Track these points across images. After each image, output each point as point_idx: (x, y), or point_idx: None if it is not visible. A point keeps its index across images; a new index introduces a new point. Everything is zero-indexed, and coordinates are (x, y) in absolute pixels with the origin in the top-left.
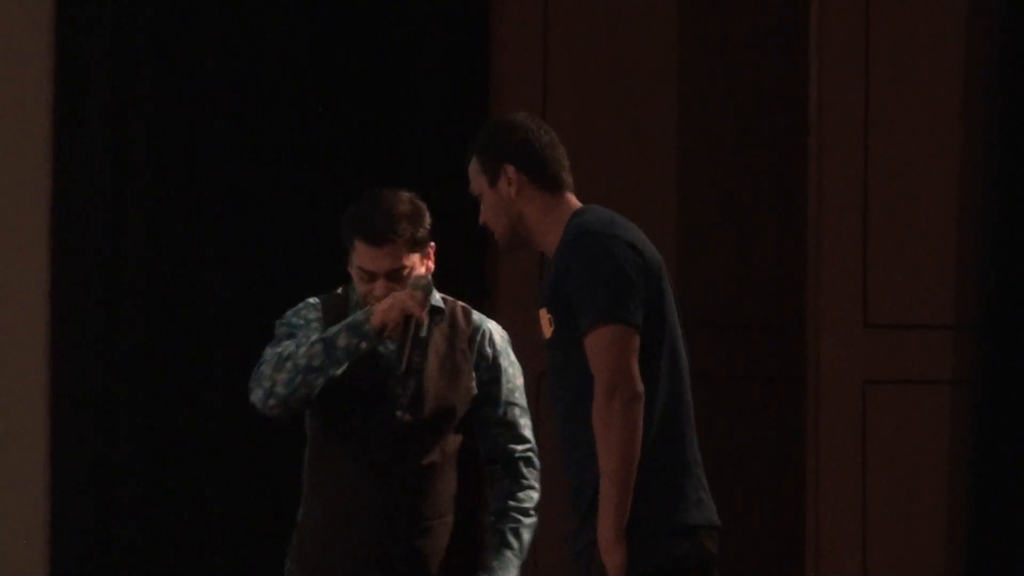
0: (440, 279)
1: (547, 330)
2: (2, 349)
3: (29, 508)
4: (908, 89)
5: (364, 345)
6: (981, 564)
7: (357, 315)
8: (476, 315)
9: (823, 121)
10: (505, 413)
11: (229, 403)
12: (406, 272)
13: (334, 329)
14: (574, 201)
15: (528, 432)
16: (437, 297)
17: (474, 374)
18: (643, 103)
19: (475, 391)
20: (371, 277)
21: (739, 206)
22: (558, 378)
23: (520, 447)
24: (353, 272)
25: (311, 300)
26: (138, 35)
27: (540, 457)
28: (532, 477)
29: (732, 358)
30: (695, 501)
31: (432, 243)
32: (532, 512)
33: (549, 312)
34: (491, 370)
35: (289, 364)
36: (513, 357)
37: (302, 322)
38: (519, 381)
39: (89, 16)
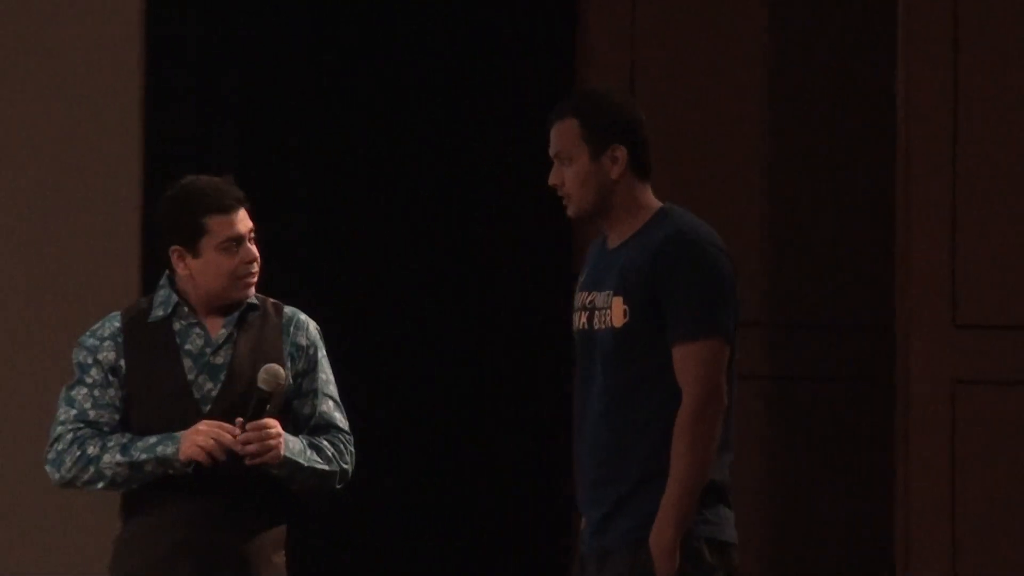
0: (527, 259)
1: (618, 319)
2: None
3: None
4: (998, 86)
5: (172, 472)
6: None
7: (166, 447)
8: (288, 308)
9: (911, 119)
10: (320, 404)
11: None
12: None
13: (140, 455)
14: (652, 195)
15: (345, 425)
16: (252, 292)
17: (289, 364)
18: (731, 103)
19: (289, 381)
20: (238, 243)
21: (827, 205)
22: (616, 368)
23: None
24: (213, 254)
25: (112, 314)
26: (226, 31)
27: None
28: (348, 456)
29: (821, 359)
30: (726, 517)
31: None
32: (332, 460)
33: (625, 303)
34: (307, 360)
35: (92, 470)
36: (325, 351)
37: (90, 360)
38: (332, 375)
39: (178, 11)
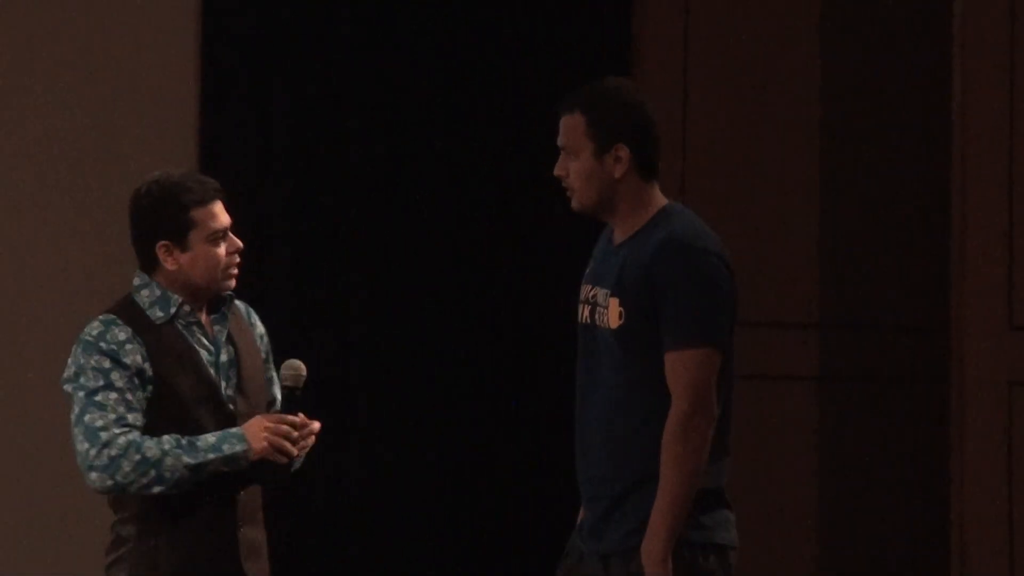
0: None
1: (615, 321)
2: None
3: None
4: None
5: (229, 469)
6: None
7: (233, 446)
8: (237, 299)
9: (967, 120)
10: (277, 392)
11: (376, 409)
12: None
13: (205, 455)
14: (659, 192)
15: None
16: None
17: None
18: (785, 104)
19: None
20: (224, 235)
21: (882, 207)
22: (614, 368)
23: None
24: (202, 247)
25: (109, 318)
26: (281, 30)
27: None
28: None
29: (876, 360)
30: (722, 521)
31: None
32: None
33: (621, 305)
34: (265, 348)
35: (153, 473)
36: None
37: (108, 364)
38: None
39: (233, 9)
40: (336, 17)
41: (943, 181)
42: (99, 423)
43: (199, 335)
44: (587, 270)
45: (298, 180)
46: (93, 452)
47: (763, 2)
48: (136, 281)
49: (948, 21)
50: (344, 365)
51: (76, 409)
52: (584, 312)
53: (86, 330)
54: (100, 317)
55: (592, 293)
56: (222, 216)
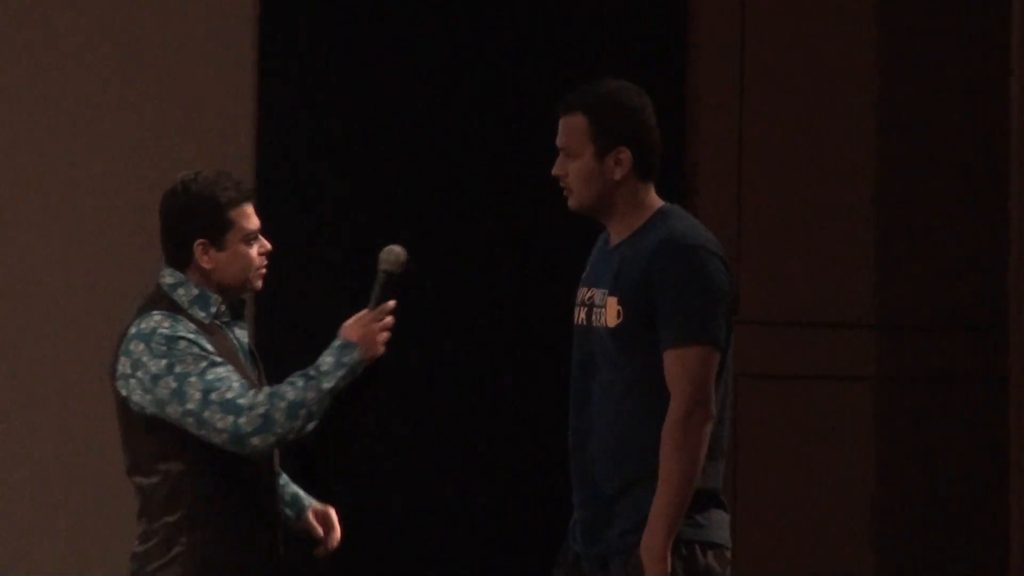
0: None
1: (612, 320)
2: None
3: None
4: None
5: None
6: None
7: (350, 356)
8: None
9: None
10: None
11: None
12: None
13: (334, 375)
14: (655, 194)
15: None
16: None
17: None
18: (841, 105)
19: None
20: (256, 237)
21: (938, 205)
22: (611, 367)
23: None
24: (238, 247)
25: (168, 314)
26: (339, 30)
27: None
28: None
29: (933, 358)
30: (719, 521)
31: None
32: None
33: (619, 304)
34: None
35: (303, 413)
36: None
37: (197, 349)
38: None
39: (290, 14)
40: (391, 23)
41: (1001, 180)
42: (229, 394)
43: (231, 336)
44: (583, 274)
45: (350, 181)
46: (243, 420)
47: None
48: (170, 279)
49: (1008, 17)
50: None
51: (195, 396)
52: (580, 315)
53: (150, 327)
54: (156, 314)
55: (589, 295)
56: (255, 218)
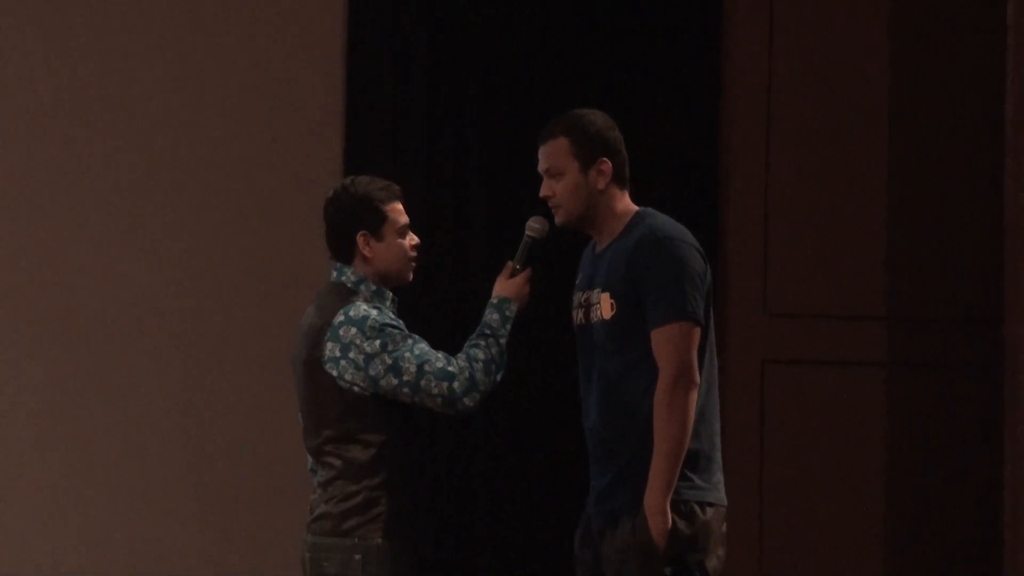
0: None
1: (607, 312)
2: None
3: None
4: None
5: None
6: None
7: (510, 309)
8: None
9: (1018, 113)
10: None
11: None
12: None
13: (503, 332)
14: (630, 201)
15: None
16: None
17: None
18: (855, 109)
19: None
20: (406, 231)
21: (944, 206)
22: (609, 356)
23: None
24: (393, 239)
25: (367, 305)
26: (420, 39)
27: None
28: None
29: (934, 350)
30: (716, 483)
31: None
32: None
33: (612, 297)
34: None
35: (493, 367)
36: None
37: (398, 333)
38: None
39: (377, 18)
40: (474, 25)
41: (1002, 181)
42: (439, 363)
43: None
44: (576, 281)
45: (430, 182)
46: (456, 384)
47: (837, 5)
48: (352, 277)
49: (1003, 18)
50: None
51: (410, 369)
52: (578, 315)
53: (359, 315)
54: (361, 304)
55: (584, 297)
56: (404, 214)
